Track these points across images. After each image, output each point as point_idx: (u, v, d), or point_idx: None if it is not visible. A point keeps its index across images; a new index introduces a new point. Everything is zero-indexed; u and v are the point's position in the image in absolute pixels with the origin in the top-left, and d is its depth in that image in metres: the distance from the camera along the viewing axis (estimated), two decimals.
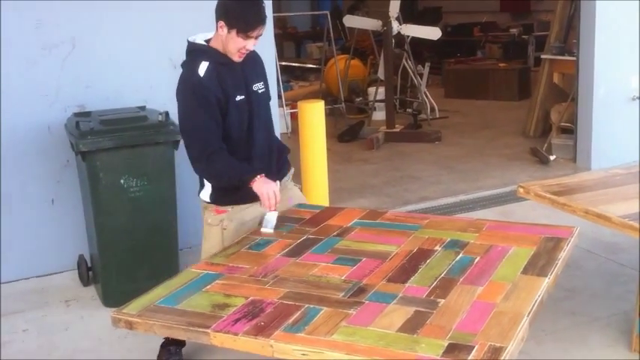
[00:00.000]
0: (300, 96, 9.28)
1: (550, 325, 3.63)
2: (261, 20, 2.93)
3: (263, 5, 2.96)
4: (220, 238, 3.14)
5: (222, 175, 3.05)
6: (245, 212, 3.16)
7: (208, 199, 3.19)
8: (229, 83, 3.00)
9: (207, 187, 3.18)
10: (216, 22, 2.96)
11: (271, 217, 3.06)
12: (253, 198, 3.08)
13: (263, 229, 3.06)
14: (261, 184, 2.99)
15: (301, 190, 3.74)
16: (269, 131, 3.26)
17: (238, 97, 3.03)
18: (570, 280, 4.08)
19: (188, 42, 3.11)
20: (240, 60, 3.02)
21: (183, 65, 3.09)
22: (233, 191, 3.11)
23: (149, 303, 2.41)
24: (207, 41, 3.07)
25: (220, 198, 3.16)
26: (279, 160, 3.30)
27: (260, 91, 3.15)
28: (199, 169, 3.11)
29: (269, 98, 3.27)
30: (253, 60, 3.17)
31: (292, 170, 3.43)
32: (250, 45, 2.97)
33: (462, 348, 1.99)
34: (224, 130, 3.03)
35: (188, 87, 2.99)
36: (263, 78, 3.21)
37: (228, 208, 3.15)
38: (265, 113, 3.22)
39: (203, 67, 2.97)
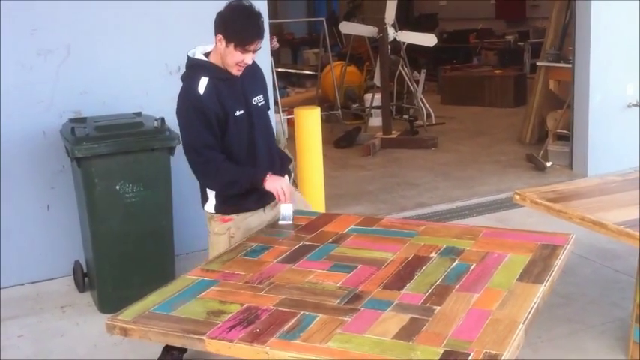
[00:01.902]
0: (296, 102, 9.29)
1: (546, 332, 3.63)
2: (258, 35, 2.93)
3: (261, 20, 2.95)
4: (228, 245, 3.15)
5: (234, 184, 3.09)
6: (250, 220, 3.20)
7: (213, 211, 3.21)
8: (228, 99, 3.01)
9: (211, 199, 3.20)
10: (215, 35, 2.96)
11: (286, 210, 3.18)
12: (256, 206, 3.18)
13: (281, 222, 3.19)
14: (272, 182, 3.08)
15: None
16: (270, 142, 3.29)
17: (237, 113, 3.04)
18: (566, 287, 4.08)
19: (188, 57, 3.10)
20: (239, 73, 3.03)
21: (183, 79, 3.08)
22: (236, 200, 3.15)
23: (144, 309, 2.40)
24: (207, 54, 3.07)
25: (225, 208, 3.19)
26: (282, 169, 3.31)
27: (260, 104, 3.17)
28: (209, 185, 3.15)
29: (268, 108, 3.30)
30: (252, 72, 3.17)
31: (293, 177, 3.47)
32: (249, 59, 2.97)
33: (458, 355, 1.99)
34: (225, 145, 3.06)
35: (189, 106, 3.00)
36: (262, 90, 3.22)
37: (234, 217, 3.18)
38: (265, 125, 3.24)
39: (202, 84, 2.97)
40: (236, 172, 3.09)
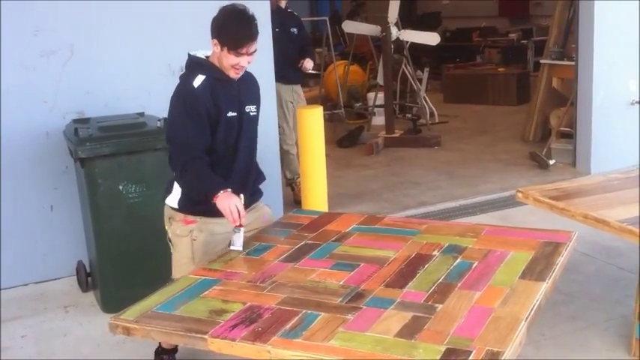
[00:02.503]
0: None
1: (549, 330, 3.63)
2: (249, 38, 2.93)
3: (254, 22, 2.95)
4: (190, 249, 3.10)
5: (192, 186, 3.01)
6: (214, 224, 3.08)
7: (176, 206, 3.12)
8: (223, 98, 3.00)
9: (176, 193, 3.11)
10: (211, 39, 2.98)
11: (237, 236, 2.91)
12: (221, 214, 2.95)
13: (232, 247, 2.92)
14: (223, 200, 2.86)
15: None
16: (252, 154, 3.23)
17: (230, 113, 3.02)
18: (569, 285, 4.08)
19: (188, 55, 3.11)
20: (237, 77, 3.03)
21: (180, 77, 3.09)
22: (201, 202, 3.01)
23: (147, 309, 2.41)
24: (208, 57, 3.08)
25: (189, 206, 3.09)
26: (254, 185, 3.26)
27: (252, 114, 3.14)
28: (176, 177, 3.08)
29: (257, 123, 3.23)
30: (250, 83, 3.19)
31: (262, 196, 3.34)
32: (244, 62, 2.97)
33: (460, 353, 1.99)
34: (211, 142, 3.02)
35: (180, 96, 3.00)
36: (257, 102, 3.20)
37: (197, 219, 3.09)
38: (252, 136, 3.20)
39: (198, 80, 2.98)
40: (198, 177, 2.96)
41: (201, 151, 2.98)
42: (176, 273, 3.16)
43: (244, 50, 2.93)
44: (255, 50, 2.98)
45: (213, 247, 3.10)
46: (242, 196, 2.95)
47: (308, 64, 6.23)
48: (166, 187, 3.18)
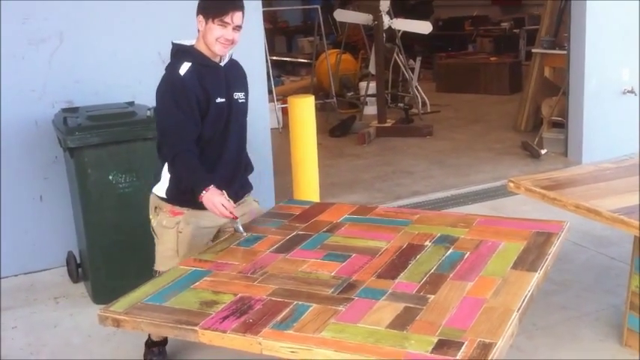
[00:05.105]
0: (291, 91, 9.25)
1: (541, 320, 3.63)
2: (233, 6, 2.88)
3: None
4: (175, 241, 3.07)
5: (181, 179, 2.98)
6: (202, 217, 3.04)
7: (164, 195, 3.08)
8: (210, 84, 2.96)
9: (164, 182, 3.07)
10: (196, 18, 2.94)
11: (237, 226, 2.97)
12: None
13: (237, 233, 2.98)
14: (208, 199, 2.85)
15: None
16: (242, 142, 3.19)
17: (219, 99, 2.98)
18: (561, 274, 4.08)
19: (172, 44, 3.07)
20: (225, 52, 2.98)
21: (166, 67, 3.04)
22: (190, 192, 2.99)
23: (136, 301, 2.39)
24: (193, 46, 3.04)
25: (177, 196, 3.05)
26: (244, 176, 3.22)
27: (240, 101, 3.10)
28: (168, 168, 3.05)
29: (246, 111, 3.20)
30: (237, 71, 3.16)
31: (252, 190, 3.32)
32: (229, 33, 2.90)
33: (452, 344, 1.98)
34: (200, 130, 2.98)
35: (167, 85, 2.95)
36: (245, 90, 3.15)
37: (185, 210, 3.05)
38: (242, 123, 3.15)
39: (184, 67, 2.93)
40: (187, 170, 2.93)
41: (191, 142, 2.94)
42: (159, 265, 3.12)
43: (228, 18, 2.87)
44: (241, 26, 2.93)
45: (199, 240, 3.07)
46: (224, 191, 2.91)
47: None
48: (154, 176, 3.15)
